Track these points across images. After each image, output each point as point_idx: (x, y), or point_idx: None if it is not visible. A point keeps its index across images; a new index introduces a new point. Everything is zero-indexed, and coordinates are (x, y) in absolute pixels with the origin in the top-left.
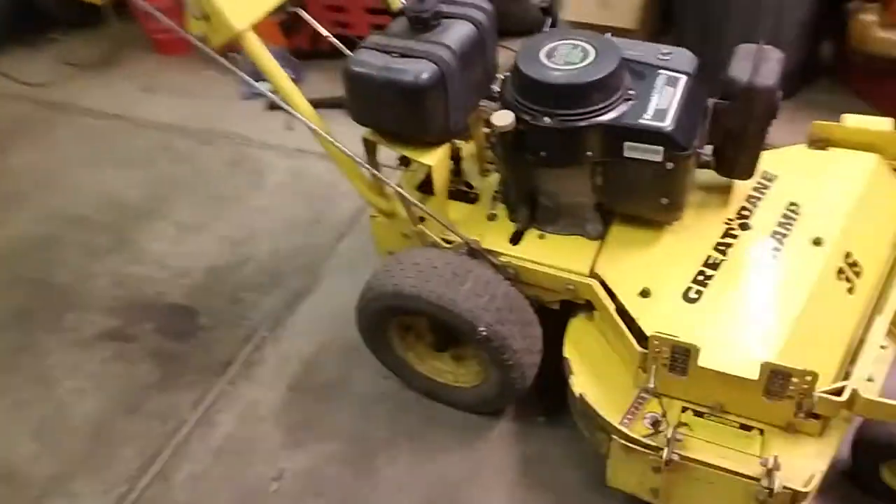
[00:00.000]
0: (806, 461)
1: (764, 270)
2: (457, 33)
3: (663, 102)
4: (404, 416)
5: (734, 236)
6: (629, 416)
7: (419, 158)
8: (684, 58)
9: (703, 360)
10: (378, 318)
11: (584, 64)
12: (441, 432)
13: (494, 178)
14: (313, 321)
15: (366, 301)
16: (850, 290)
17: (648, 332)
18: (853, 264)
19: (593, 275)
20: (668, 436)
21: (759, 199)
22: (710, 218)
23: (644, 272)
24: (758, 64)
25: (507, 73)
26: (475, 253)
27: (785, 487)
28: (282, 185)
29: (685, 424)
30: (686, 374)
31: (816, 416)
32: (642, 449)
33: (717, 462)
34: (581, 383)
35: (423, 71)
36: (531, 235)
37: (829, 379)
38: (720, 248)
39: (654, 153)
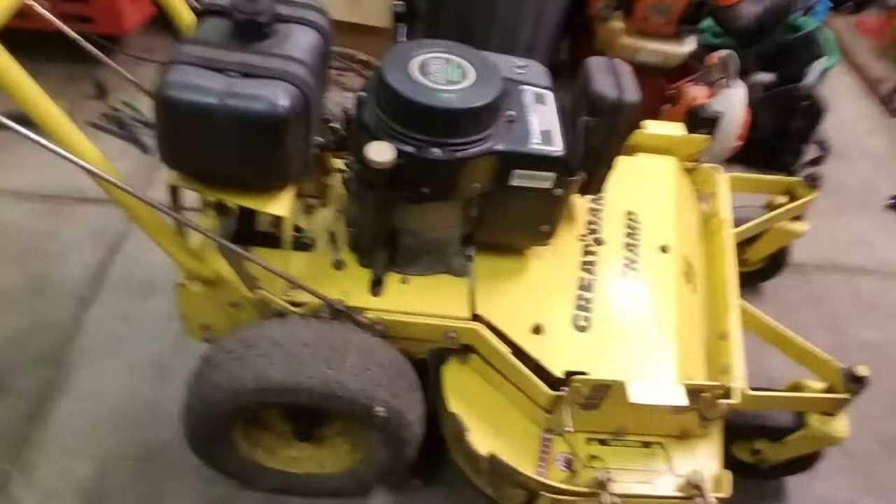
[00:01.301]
0: (706, 462)
1: (631, 285)
2: (302, 43)
3: (544, 123)
4: None
5: (593, 253)
6: (542, 464)
7: (265, 209)
8: (540, 71)
9: (631, 395)
10: (225, 421)
11: (468, 83)
12: None
13: (322, 217)
14: (78, 433)
15: (205, 405)
16: (694, 290)
17: (557, 373)
18: (689, 265)
19: (476, 317)
20: (601, 478)
21: (599, 210)
22: (564, 237)
23: (527, 306)
24: (618, 79)
25: (361, 94)
26: (339, 315)
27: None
28: None
29: (595, 457)
30: (598, 408)
31: (705, 419)
32: (575, 498)
33: (650, 492)
34: (483, 441)
35: (280, 96)
36: (392, 281)
37: (702, 379)
38: (586, 267)
39: (544, 180)
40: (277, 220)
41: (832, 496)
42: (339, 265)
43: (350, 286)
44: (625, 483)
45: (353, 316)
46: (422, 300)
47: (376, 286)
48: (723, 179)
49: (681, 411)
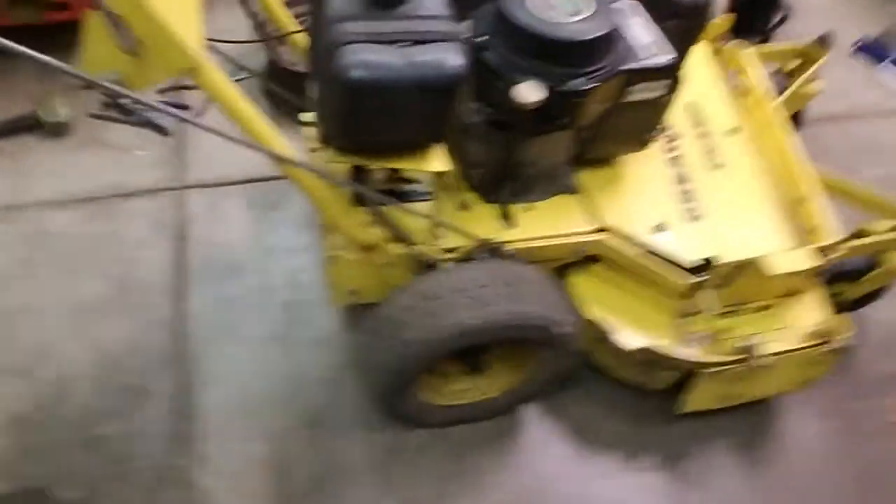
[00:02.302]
0: (818, 312)
1: (718, 168)
2: (437, 3)
3: (646, 35)
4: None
5: (673, 149)
6: (686, 345)
7: (429, 167)
8: None
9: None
10: (416, 372)
11: (590, 11)
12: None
13: None
14: (235, 418)
15: (402, 360)
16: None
17: (692, 262)
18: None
19: (603, 228)
20: (745, 345)
21: None
22: None
23: (641, 209)
24: None
25: (480, 38)
26: (495, 253)
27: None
28: (25, 262)
29: (727, 329)
30: (729, 286)
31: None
32: (730, 367)
33: (790, 346)
34: (630, 337)
35: (456, 57)
36: (517, 212)
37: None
38: (673, 162)
39: (658, 88)
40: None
41: None
42: (464, 206)
43: (483, 224)
44: (764, 344)
45: (503, 251)
46: (550, 223)
47: (507, 219)
48: (750, 55)
49: (802, 273)
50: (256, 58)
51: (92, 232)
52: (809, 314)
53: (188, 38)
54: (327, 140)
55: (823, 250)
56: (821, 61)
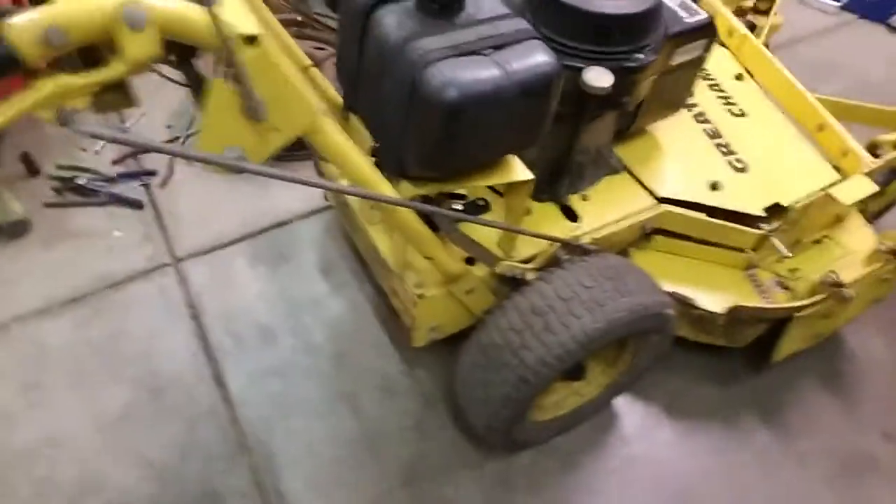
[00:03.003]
0: (866, 231)
1: (742, 117)
2: (492, 2)
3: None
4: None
5: (693, 105)
6: (765, 295)
7: (512, 178)
8: None
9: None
10: (533, 396)
11: None
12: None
13: None
14: (328, 492)
15: (526, 385)
16: None
17: (758, 212)
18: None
19: (661, 199)
20: (828, 280)
21: None
22: None
23: (689, 171)
24: None
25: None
26: (576, 250)
27: None
28: (33, 388)
29: (794, 269)
30: (795, 228)
31: None
32: (816, 308)
33: (863, 273)
34: (712, 302)
35: (546, 54)
36: (577, 204)
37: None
38: (699, 119)
39: (698, 48)
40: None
41: None
42: (527, 212)
43: (549, 225)
44: (842, 274)
45: (584, 247)
46: (612, 208)
47: (569, 213)
48: (714, 1)
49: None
50: None
51: (95, 335)
52: (858, 237)
53: (310, 96)
54: (401, 172)
55: (872, 171)
56: None
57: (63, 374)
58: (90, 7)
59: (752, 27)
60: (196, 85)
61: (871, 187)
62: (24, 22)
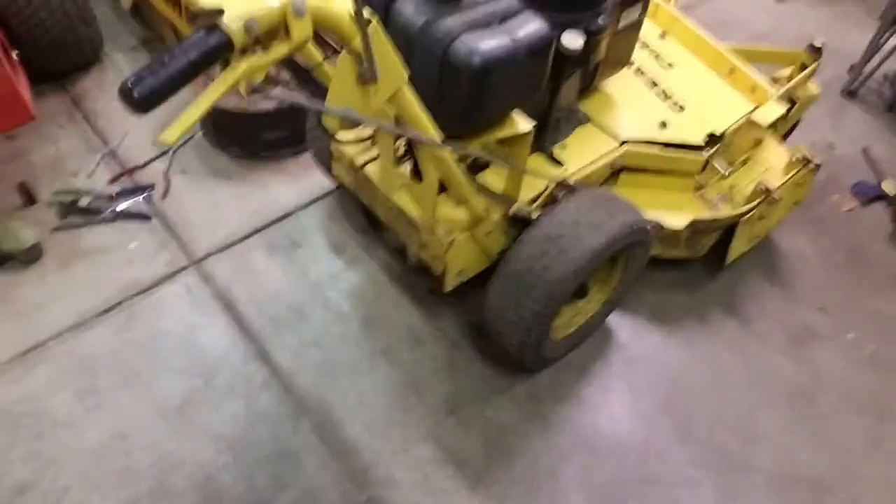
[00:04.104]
0: (781, 150)
1: (672, 67)
2: None
3: None
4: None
5: (631, 62)
6: (714, 209)
7: (524, 129)
8: None
9: (762, 121)
10: (556, 312)
11: None
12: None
13: None
14: (382, 435)
15: (550, 296)
16: None
17: (700, 142)
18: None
19: (624, 141)
20: (759, 188)
21: None
22: None
23: (641, 115)
24: None
25: None
26: (568, 188)
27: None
28: (90, 392)
29: (733, 186)
30: (727, 150)
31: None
32: (757, 209)
33: (784, 180)
34: (673, 220)
35: (541, 21)
36: (558, 152)
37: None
38: (638, 73)
39: (636, 11)
40: None
41: None
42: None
43: (542, 170)
44: (770, 182)
45: (573, 185)
46: (587, 153)
47: (555, 161)
48: None
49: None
50: None
51: (134, 338)
52: (776, 154)
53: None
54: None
55: (780, 97)
56: None
57: (114, 376)
58: (270, 3)
59: None
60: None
61: (780, 110)
62: (232, 17)
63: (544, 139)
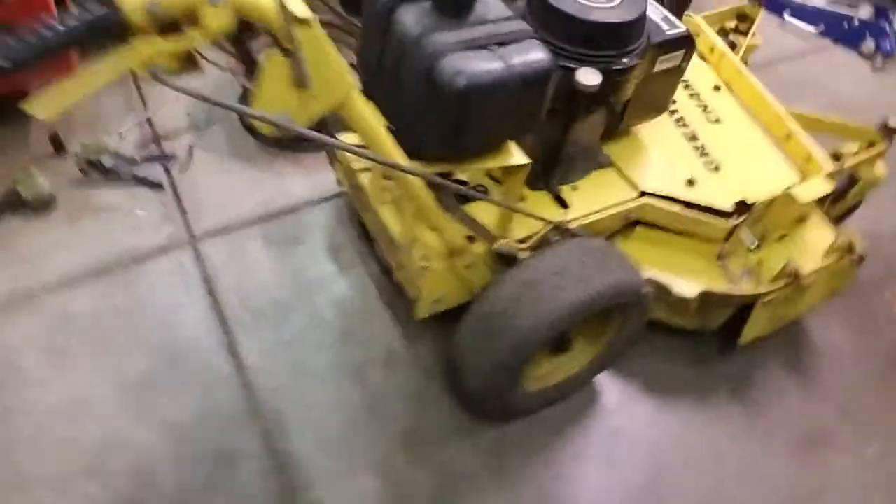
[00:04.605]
0: (826, 231)
1: (718, 123)
2: (498, 6)
3: (657, 12)
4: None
5: (674, 111)
6: (733, 282)
7: (516, 161)
8: None
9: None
10: (524, 362)
11: None
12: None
13: None
14: (327, 456)
15: (516, 348)
16: None
17: (727, 208)
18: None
19: (643, 193)
20: (790, 269)
21: None
22: None
23: (669, 169)
24: None
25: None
26: (565, 234)
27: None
28: (59, 353)
29: (761, 262)
30: (760, 223)
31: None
32: (781, 292)
33: (820, 265)
34: (686, 287)
35: (543, 51)
36: (567, 193)
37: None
38: (679, 123)
39: (677, 58)
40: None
41: None
42: (522, 198)
43: (542, 210)
44: (802, 266)
45: (572, 230)
46: (598, 198)
47: (560, 201)
48: (700, 21)
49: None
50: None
51: (118, 305)
52: (820, 235)
53: (347, 73)
54: (416, 151)
55: (831, 175)
56: (758, 19)
57: (88, 341)
58: None
59: (732, 46)
60: (248, 62)
61: (826, 188)
62: None
63: (552, 176)
